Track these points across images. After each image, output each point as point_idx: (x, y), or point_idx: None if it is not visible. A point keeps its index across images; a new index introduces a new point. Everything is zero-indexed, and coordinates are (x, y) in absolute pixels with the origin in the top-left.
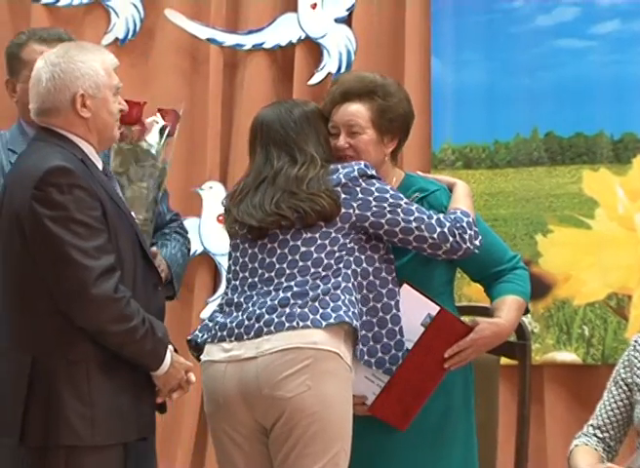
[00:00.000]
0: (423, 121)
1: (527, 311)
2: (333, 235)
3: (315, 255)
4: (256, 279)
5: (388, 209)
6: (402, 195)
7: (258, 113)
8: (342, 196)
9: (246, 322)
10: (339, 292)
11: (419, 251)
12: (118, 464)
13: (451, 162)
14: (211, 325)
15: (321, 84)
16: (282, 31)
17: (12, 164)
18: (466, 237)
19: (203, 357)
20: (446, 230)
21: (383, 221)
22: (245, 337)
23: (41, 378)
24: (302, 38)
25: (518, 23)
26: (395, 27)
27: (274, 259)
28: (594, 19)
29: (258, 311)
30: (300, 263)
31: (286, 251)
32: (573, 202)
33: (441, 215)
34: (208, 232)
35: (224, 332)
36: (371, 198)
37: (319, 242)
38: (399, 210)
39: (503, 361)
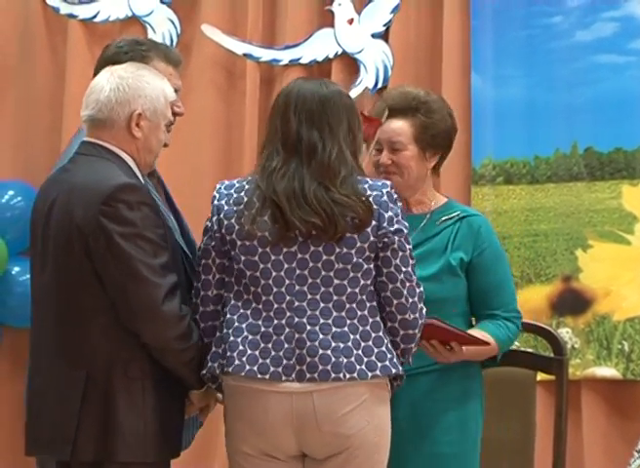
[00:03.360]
0: (464, 137)
1: (494, 359)
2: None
3: (348, 287)
4: (283, 305)
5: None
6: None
7: (292, 83)
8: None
9: (284, 361)
10: (381, 334)
11: (383, 298)
12: None
13: (491, 177)
14: (235, 355)
15: (358, 99)
16: (319, 46)
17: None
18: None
19: (236, 380)
20: (417, 315)
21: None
22: (284, 378)
23: (96, 394)
24: (339, 53)
25: (557, 39)
26: (432, 43)
27: (308, 277)
28: (633, 35)
29: (297, 351)
30: (335, 297)
31: (319, 265)
32: (612, 217)
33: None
34: None
35: (255, 368)
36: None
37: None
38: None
39: (541, 376)
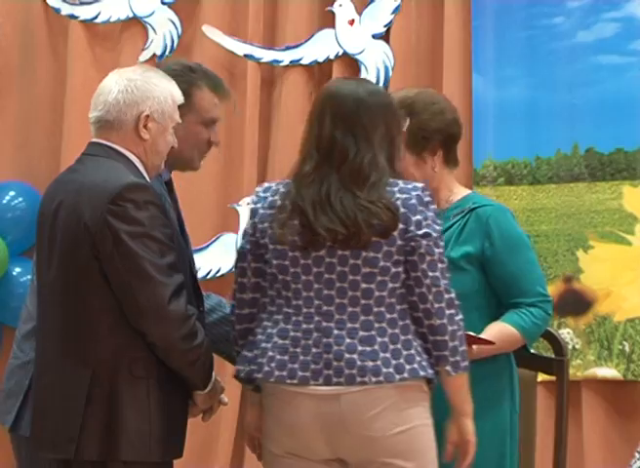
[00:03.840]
0: (465, 137)
1: (525, 349)
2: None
3: (374, 289)
4: (312, 309)
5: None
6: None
7: (330, 83)
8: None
9: (312, 366)
10: (410, 336)
11: (410, 303)
12: None
13: (492, 178)
14: (264, 361)
15: None
16: (319, 47)
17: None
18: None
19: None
20: (445, 321)
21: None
22: (312, 382)
23: (101, 393)
24: (340, 54)
25: (558, 40)
26: (433, 43)
27: (335, 281)
28: (634, 36)
29: (325, 355)
30: (363, 301)
31: (346, 269)
32: (613, 218)
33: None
34: None
35: (284, 373)
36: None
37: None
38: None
39: (542, 377)
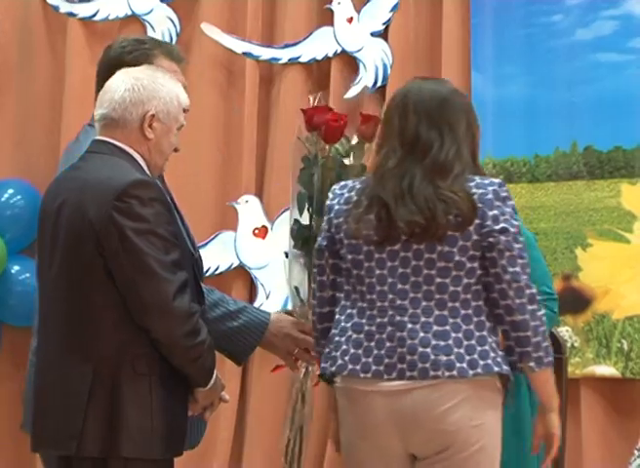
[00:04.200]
0: None
1: None
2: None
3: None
4: (386, 303)
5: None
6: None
7: (410, 83)
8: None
9: (386, 360)
10: (485, 333)
11: (491, 299)
12: None
13: (492, 176)
14: (338, 354)
15: (357, 98)
16: (318, 45)
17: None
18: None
19: (340, 382)
20: (528, 317)
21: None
22: (385, 377)
23: (103, 389)
24: (338, 52)
25: (557, 37)
26: (432, 41)
27: (410, 275)
28: (633, 33)
29: (399, 349)
30: (437, 295)
31: (421, 263)
32: (612, 216)
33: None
34: (244, 246)
35: (357, 366)
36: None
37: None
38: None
39: None
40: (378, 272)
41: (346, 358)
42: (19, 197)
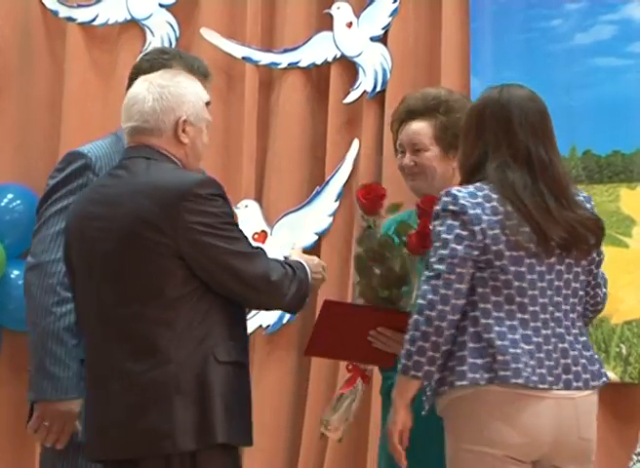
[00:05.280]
0: None
1: None
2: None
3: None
4: (547, 315)
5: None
6: None
7: (503, 92)
8: None
9: (554, 370)
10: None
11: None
12: (239, 464)
13: None
14: (521, 366)
15: (356, 102)
16: (317, 50)
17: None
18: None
19: (506, 387)
20: None
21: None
22: (555, 387)
23: (188, 383)
24: (338, 57)
25: (556, 42)
26: (431, 46)
27: (562, 288)
28: (632, 38)
29: (562, 360)
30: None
31: (570, 276)
32: (610, 220)
33: None
34: None
35: (535, 377)
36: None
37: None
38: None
39: None
40: (539, 284)
41: (529, 370)
42: (18, 202)
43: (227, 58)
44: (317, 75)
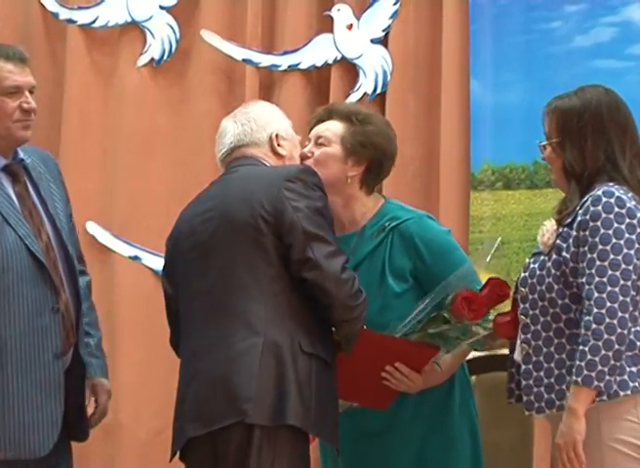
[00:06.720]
0: (462, 142)
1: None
2: None
3: None
4: None
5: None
6: None
7: (607, 90)
8: None
9: None
10: None
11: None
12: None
13: (490, 182)
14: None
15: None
16: (318, 52)
17: None
18: None
19: None
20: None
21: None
22: None
23: (270, 362)
24: (338, 59)
25: (556, 44)
26: (432, 48)
27: None
28: (632, 40)
29: None
30: None
31: None
32: None
33: None
34: None
35: None
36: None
37: None
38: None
39: None
40: None
41: None
42: None
43: (228, 60)
44: (317, 77)
